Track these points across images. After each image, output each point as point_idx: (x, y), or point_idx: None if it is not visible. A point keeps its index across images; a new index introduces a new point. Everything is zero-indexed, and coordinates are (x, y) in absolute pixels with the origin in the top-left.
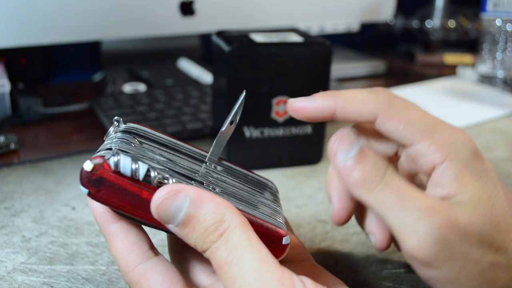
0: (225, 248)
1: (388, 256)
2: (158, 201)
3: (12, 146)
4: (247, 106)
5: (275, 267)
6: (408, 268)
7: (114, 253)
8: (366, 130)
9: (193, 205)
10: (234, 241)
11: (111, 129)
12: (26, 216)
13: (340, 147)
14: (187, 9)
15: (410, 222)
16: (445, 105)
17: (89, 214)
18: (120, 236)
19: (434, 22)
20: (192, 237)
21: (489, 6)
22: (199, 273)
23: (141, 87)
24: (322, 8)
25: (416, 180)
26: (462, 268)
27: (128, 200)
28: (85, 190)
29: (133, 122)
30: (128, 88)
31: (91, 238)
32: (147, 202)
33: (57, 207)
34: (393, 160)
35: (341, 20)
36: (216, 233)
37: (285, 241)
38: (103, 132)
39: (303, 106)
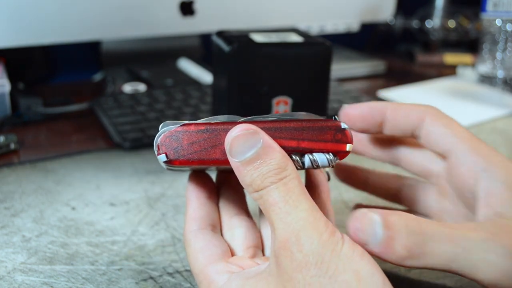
0: (283, 190)
1: None
2: (236, 134)
3: (12, 146)
4: (247, 106)
5: (323, 214)
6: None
7: (186, 216)
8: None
9: (264, 148)
10: (292, 187)
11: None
12: (26, 216)
13: (364, 233)
14: (187, 9)
15: (478, 259)
16: (445, 105)
17: (89, 214)
18: (193, 207)
19: (434, 22)
20: (251, 176)
21: (489, 6)
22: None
23: (141, 87)
24: (322, 8)
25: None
26: None
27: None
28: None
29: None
30: (128, 88)
31: (91, 238)
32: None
33: (57, 207)
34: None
35: (341, 20)
36: (277, 176)
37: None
38: (103, 132)
39: (355, 109)
